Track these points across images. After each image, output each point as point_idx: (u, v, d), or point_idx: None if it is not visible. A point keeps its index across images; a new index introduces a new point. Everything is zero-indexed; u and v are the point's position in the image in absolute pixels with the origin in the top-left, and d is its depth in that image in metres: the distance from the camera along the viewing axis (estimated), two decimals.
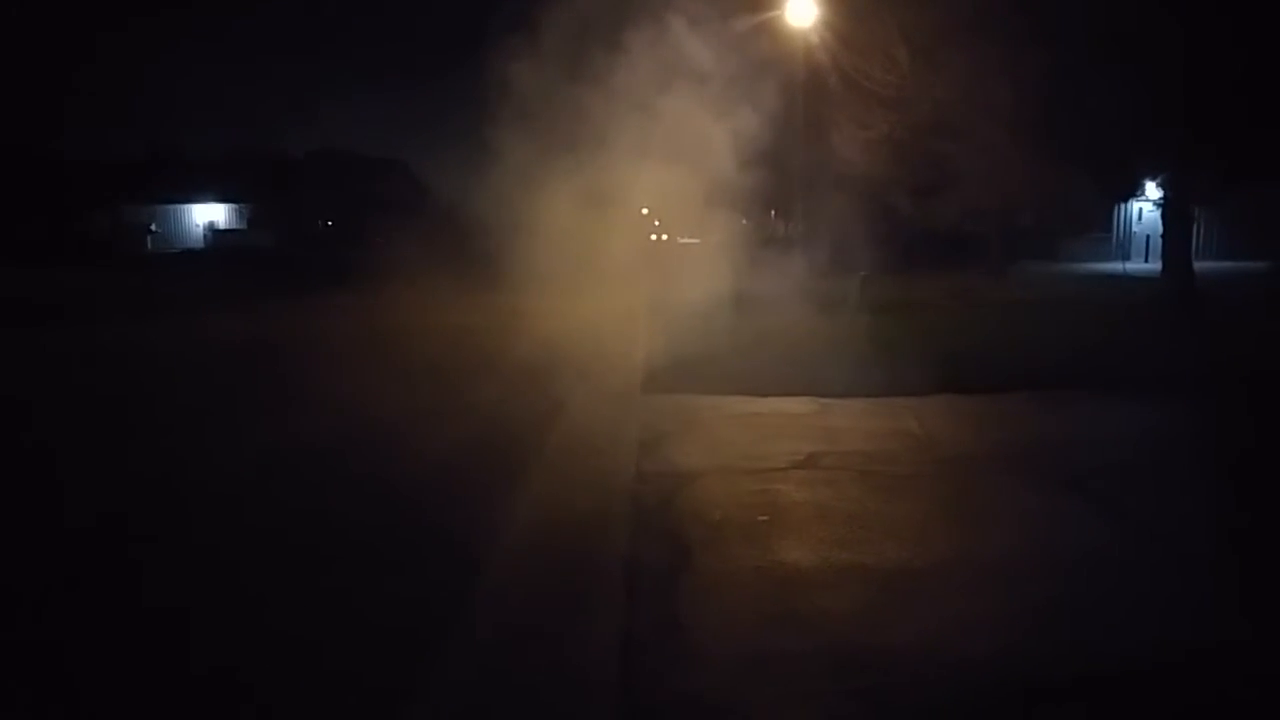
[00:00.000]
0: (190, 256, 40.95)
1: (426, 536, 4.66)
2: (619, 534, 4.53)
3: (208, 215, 50.11)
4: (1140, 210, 32.13)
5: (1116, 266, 29.36)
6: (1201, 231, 25.18)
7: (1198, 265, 18.40)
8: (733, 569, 4.07)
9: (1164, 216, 18.89)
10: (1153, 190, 24.17)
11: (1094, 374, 8.83)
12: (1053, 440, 6.50)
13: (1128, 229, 34.06)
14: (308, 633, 3.56)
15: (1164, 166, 18.67)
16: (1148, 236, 30.74)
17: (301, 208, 48.90)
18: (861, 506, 4.97)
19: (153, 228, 48.24)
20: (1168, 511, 4.93)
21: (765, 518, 4.76)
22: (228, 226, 49.63)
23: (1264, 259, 17.92)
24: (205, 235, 48.57)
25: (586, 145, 13.49)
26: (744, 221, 19.14)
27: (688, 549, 4.31)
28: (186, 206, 50.15)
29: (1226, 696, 3.02)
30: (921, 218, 20.18)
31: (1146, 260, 29.69)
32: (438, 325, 15.33)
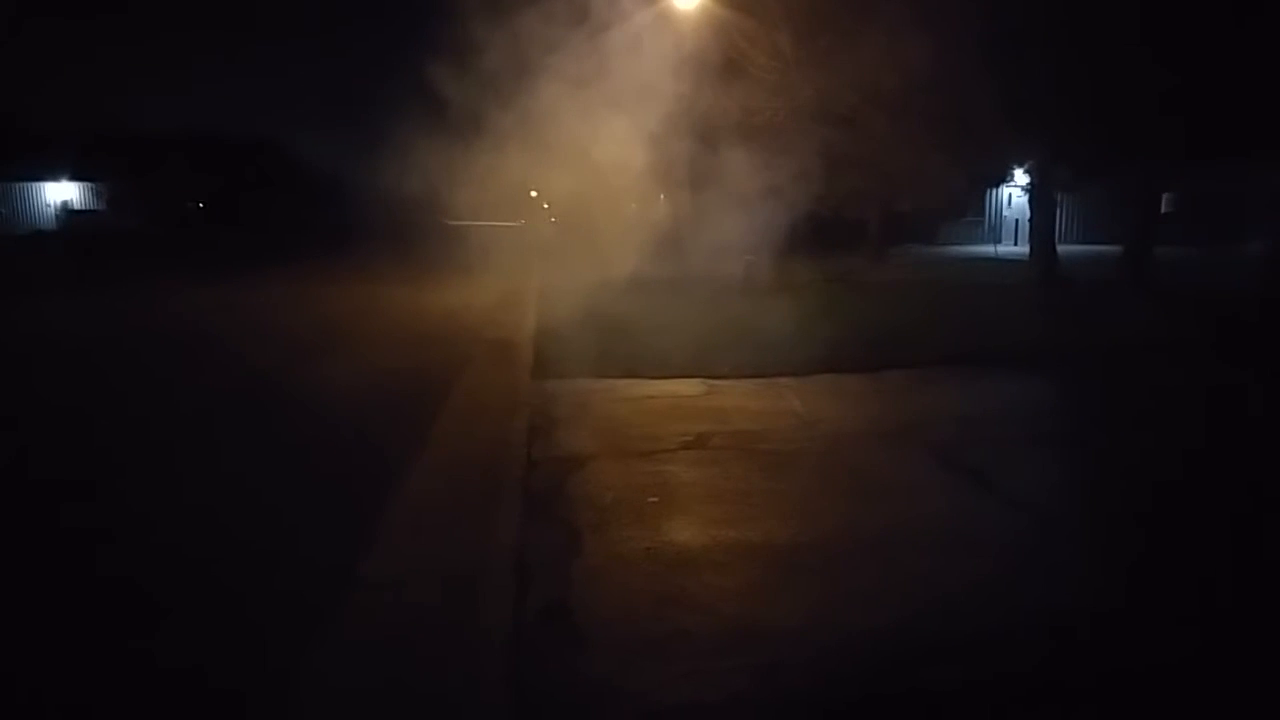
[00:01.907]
0: (39, 238, 38.25)
1: (304, 530, 4.53)
2: (509, 521, 4.48)
3: (61, 194, 47.00)
4: (1010, 196, 33.69)
5: (989, 249, 30.71)
6: (1065, 216, 26.58)
7: (1061, 248, 19.40)
8: (624, 551, 4.09)
9: (1031, 202, 19.84)
10: (1021, 177, 25.38)
11: (966, 351, 9.25)
12: (927, 416, 6.76)
13: (999, 214, 35.66)
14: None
15: (1031, 155, 19.61)
16: (1017, 221, 32.28)
17: (168, 188, 46.48)
18: (749, 485, 5.06)
19: None
20: (1033, 482, 5.19)
21: (656, 499, 4.80)
22: (84, 207, 46.66)
23: (1119, 243, 19.03)
24: (57, 216, 45.51)
25: (468, 126, 13.28)
26: (633, 205, 19.18)
27: (579, 533, 4.31)
28: (36, 185, 46.92)
29: (1102, 660, 3.19)
30: (806, 202, 20.62)
31: (1016, 243, 31.17)
32: (312, 312, 14.89)
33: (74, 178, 46.97)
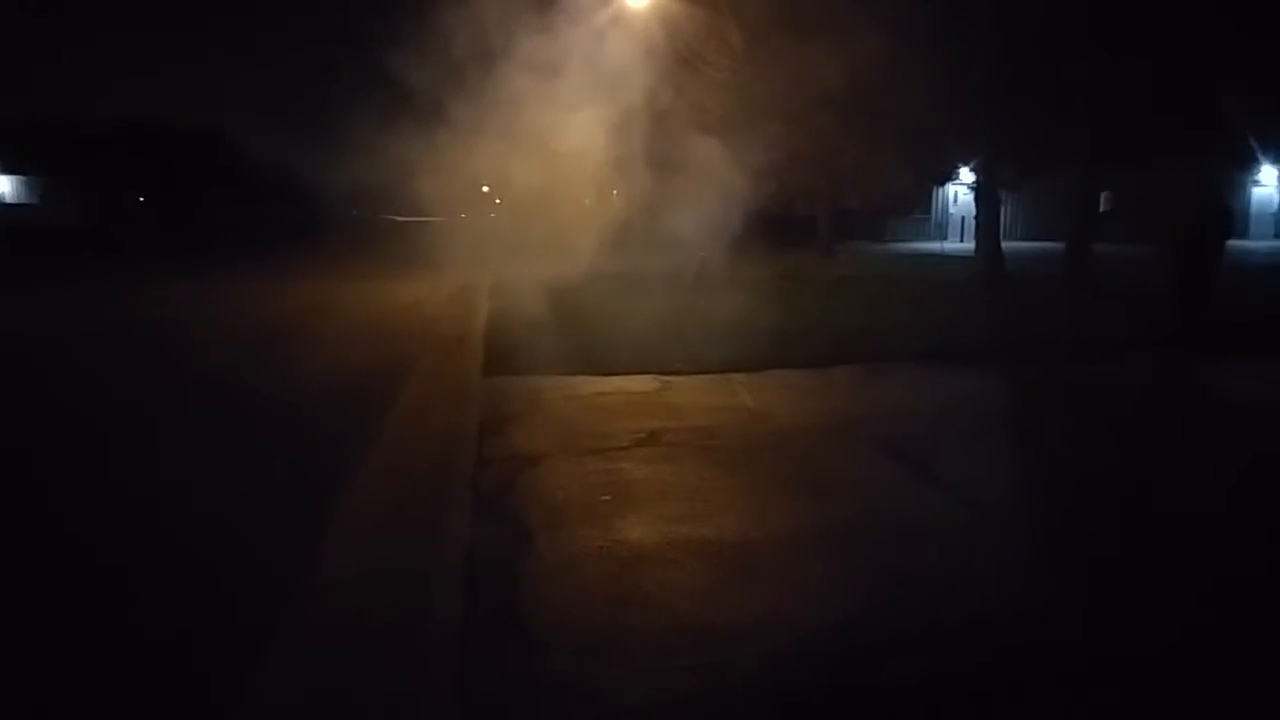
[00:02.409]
0: None
1: (254, 528, 4.44)
2: (459, 522, 4.43)
3: None
4: (956, 193, 34.24)
5: (935, 246, 31.17)
6: (1009, 214, 27.11)
7: (1006, 245, 19.75)
8: (576, 551, 4.06)
9: (976, 200, 20.18)
10: (967, 175, 25.82)
11: (914, 347, 9.36)
12: (876, 411, 6.83)
13: (945, 211, 36.22)
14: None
15: (976, 154, 19.96)
16: (963, 218, 32.76)
17: (109, 181, 45.18)
18: (701, 481, 5.07)
19: None
20: (979, 477, 5.27)
21: (608, 497, 4.78)
22: (17, 200, 45.12)
23: (1061, 239, 19.43)
24: None
25: (420, 120, 13.14)
26: (586, 201, 19.14)
27: (530, 533, 4.27)
28: None
29: (1046, 652, 3.23)
30: (757, 199, 20.75)
31: (962, 240, 31.66)
32: (259, 310, 14.60)
33: (5, 170, 45.46)
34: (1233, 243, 10.38)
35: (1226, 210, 10.38)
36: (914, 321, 11.32)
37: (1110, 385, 7.88)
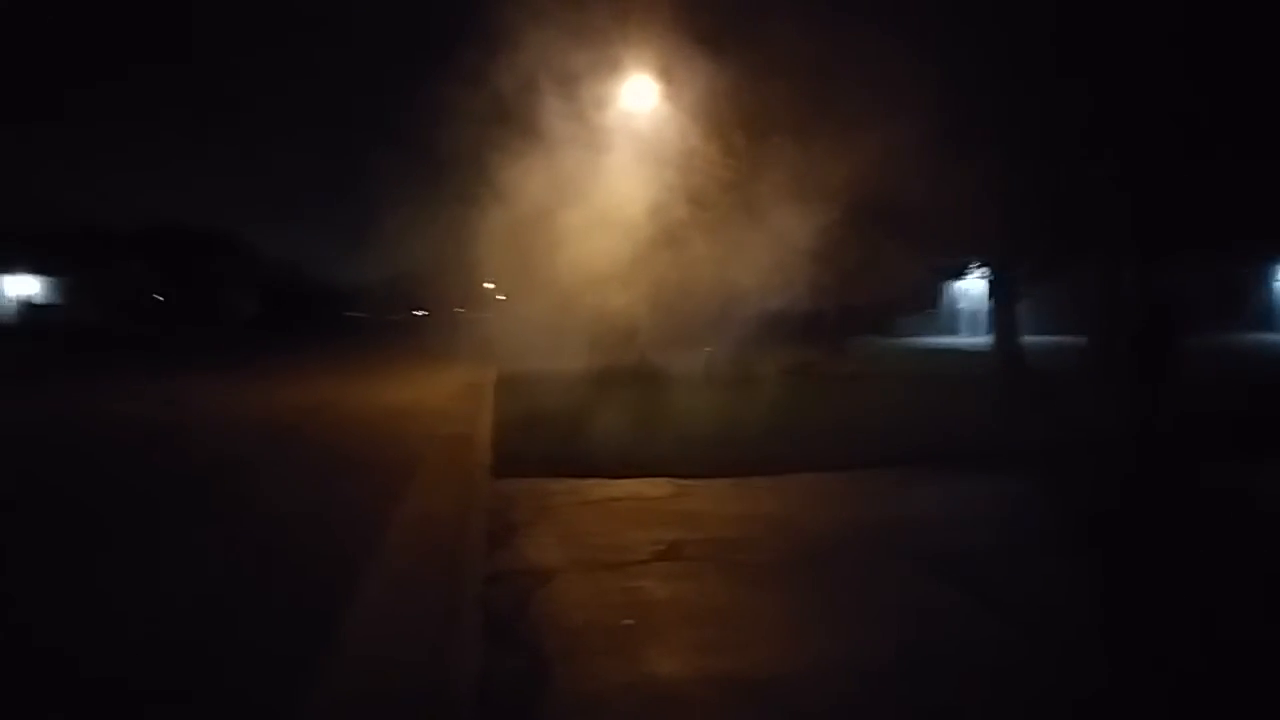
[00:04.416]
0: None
1: (251, 652, 4.04)
2: (468, 648, 4.03)
3: (20, 288, 46.19)
4: (967, 288, 34.25)
5: (946, 341, 30.99)
6: (1021, 308, 26.88)
7: (1022, 339, 19.43)
8: (599, 687, 3.64)
9: (993, 295, 19.96)
10: (978, 269, 25.75)
11: (943, 448, 8.82)
12: (914, 520, 6.39)
13: (955, 305, 36.18)
14: None
15: (989, 251, 19.86)
16: (974, 312, 32.70)
17: (129, 282, 46.18)
18: (730, 602, 4.66)
19: None
20: (1035, 596, 4.79)
21: (631, 621, 4.37)
22: (44, 301, 45.85)
23: (1080, 334, 19.11)
24: (19, 310, 44.67)
25: (425, 219, 13.15)
26: (589, 298, 19.06)
27: (547, 663, 3.86)
28: None
29: None
30: (763, 294, 20.63)
31: (974, 335, 31.47)
32: (262, 408, 14.31)
33: (35, 271, 46.31)
34: (1259, 336, 9.99)
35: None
36: (939, 421, 10.76)
37: (1161, 492, 7.40)
